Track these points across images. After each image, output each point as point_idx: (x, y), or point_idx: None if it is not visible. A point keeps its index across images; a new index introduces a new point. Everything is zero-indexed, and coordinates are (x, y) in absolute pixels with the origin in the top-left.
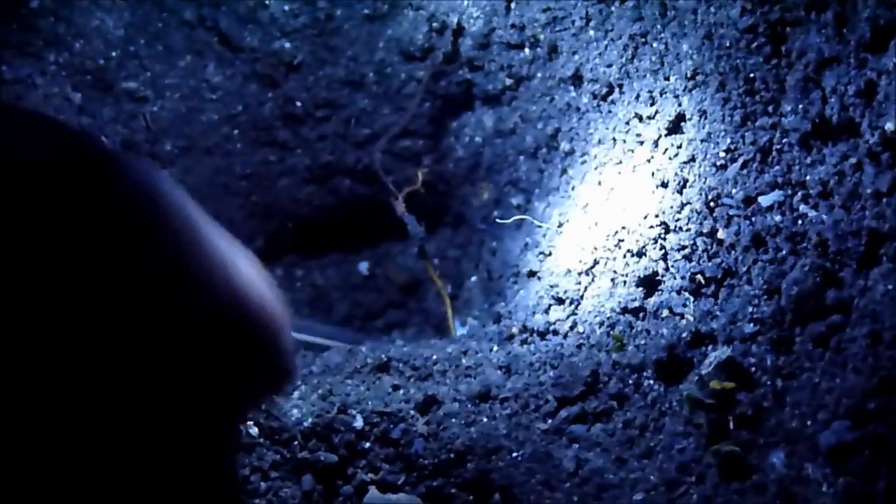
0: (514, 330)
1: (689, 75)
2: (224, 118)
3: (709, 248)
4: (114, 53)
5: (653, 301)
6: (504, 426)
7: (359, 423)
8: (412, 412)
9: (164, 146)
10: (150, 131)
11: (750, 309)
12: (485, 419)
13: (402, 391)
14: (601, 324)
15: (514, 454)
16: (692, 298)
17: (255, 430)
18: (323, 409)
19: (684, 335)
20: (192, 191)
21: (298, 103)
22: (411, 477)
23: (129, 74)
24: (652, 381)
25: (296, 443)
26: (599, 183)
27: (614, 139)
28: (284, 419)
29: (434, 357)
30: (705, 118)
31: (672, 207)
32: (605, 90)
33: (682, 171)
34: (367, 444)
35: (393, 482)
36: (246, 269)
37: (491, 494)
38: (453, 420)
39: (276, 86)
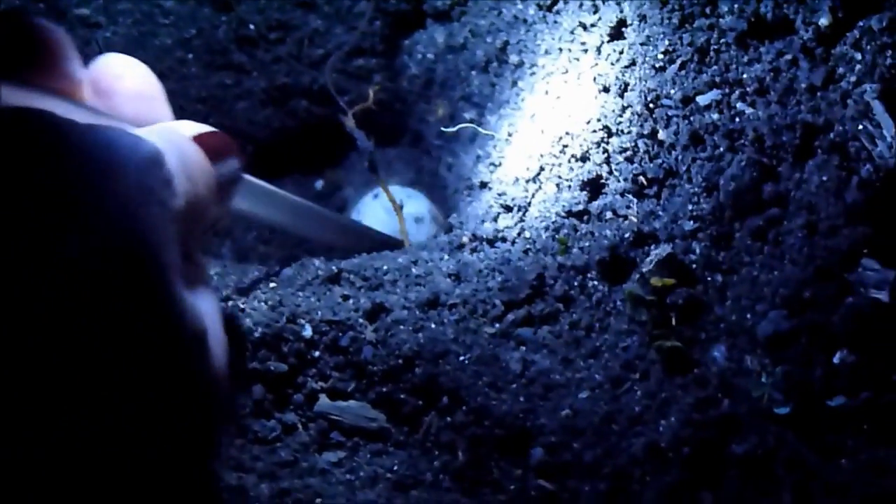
0: (465, 239)
1: None
2: (178, 42)
3: (650, 149)
4: None
5: (597, 204)
6: (452, 331)
7: (308, 332)
8: (361, 320)
9: None
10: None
11: (690, 207)
12: (433, 325)
13: (351, 301)
14: (547, 228)
15: (462, 358)
16: (635, 199)
17: None
18: (272, 319)
19: (627, 235)
20: None
21: (252, 26)
22: (361, 384)
23: (81, 1)
24: (596, 282)
25: (246, 353)
26: (546, 92)
27: (560, 49)
28: (235, 330)
29: (385, 267)
30: (645, 22)
31: (614, 111)
32: (549, 1)
33: (623, 75)
34: (317, 353)
35: (343, 389)
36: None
37: (439, 397)
38: (401, 327)
39: (229, 9)
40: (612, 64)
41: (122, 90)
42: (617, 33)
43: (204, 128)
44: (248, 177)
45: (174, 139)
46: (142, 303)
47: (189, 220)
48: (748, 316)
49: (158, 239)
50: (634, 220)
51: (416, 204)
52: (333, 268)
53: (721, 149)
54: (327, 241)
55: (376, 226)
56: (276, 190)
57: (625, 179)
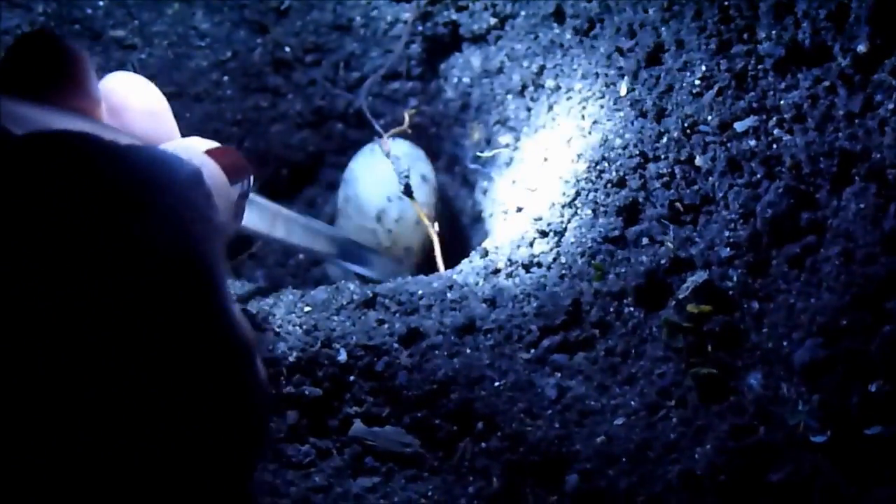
0: (500, 264)
1: (665, 6)
2: (213, 64)
3: (687, 175)
4: (101, 3)
5: (633, 230)
6: (487, 357)
7: (343, 356)
8: (396, 345)
9: None
10: None
11: (727, 233)
12: (468, 350)
13: (386, 325)
14: (583, 254)
15: (497, 384)
16: (671, 226)
17: None
18: (307, 343)
19: (663, 262)
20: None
21: (288, 49)
22: (396, 409)
23: (117, 23)
24: (632, 308)
25: (281, 378)
26: (583, 117)
27: (596, 73)
28: (269, 354)
29: (420, 292)
30: (682, 48)
31: (651, 137)
32: (586, 25)
33: (660, 100)
34: (352, 378)
35: (377, 414)
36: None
37: (474, 423)
38: (436, 352)
39: (265, 31)
40: (650, 89)
41: (133, 108)
42: (654, 58)
43: (214, 143)
44: (253, 194)
45: (195, 156)
46: (198, 315)
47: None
48: (784, 343)
49: (208, 253)
50: (671, 246)
51: (423, 165)
52: (368, 292)
53: (758, 175)
54: (327, 256)
55: (376, 177)
56: (279, 207)
57: (661, 205)
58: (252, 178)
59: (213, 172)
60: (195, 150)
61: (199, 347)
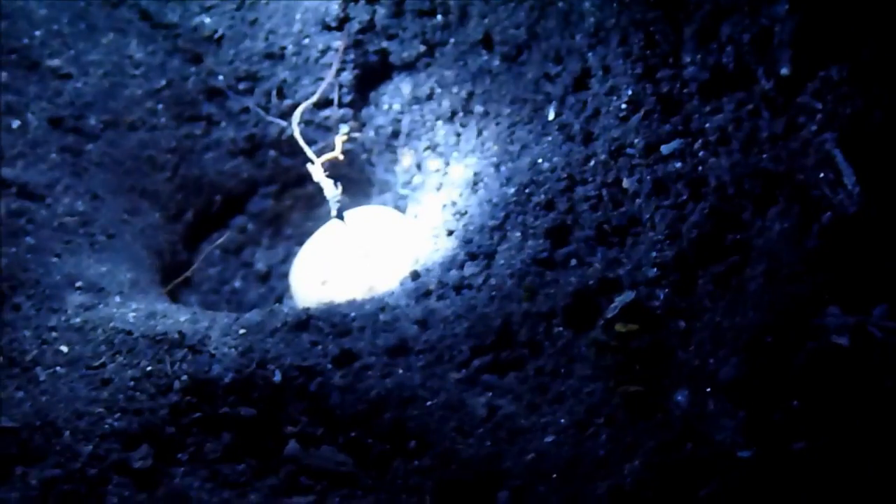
0: (431, 286)
1: (592, 32)
2: (147, 93)
3: (614, 197)
4: (37, 32)
5: (561, 251)
6: (419, 377)
7: (277, 377)
8: (329, 366)
9: (89, 121)
10: (75, 106)
11: (653, 254)
12: (400, 371)
13: (319, 347)
14: (512, 276)
15: (429, 403)
16: (599, 247)
17: (177, 384)
18: (242, 364)
19: (591, 282)
20: (117, 165)
21: (220, 77)
22: (329, 429)
23: (53, 52)
24: (561, 329)
25: (217, 398)
26: (512, 142)
27: (525, 99)
28: (205, 375)
29: (352, 314)
30: (609, 73)
31: (578, 160)
32: (514, 52)
33: (587, 124)
34: (286, 398)
35: (312, 434)
36: None
37: (407, 442)
38: (369, 373)
39: (199, 60)
40: (577, 114)
41: None
42: (581, 83)
43: None
44: None
45: None
46: None
47: None
48: (710, 361)
49: None
50: (598, 267)
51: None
52: (302, 315)
53: (684, 197)
54: None
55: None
56: None
57: (589, 227)
58: None
59: None
60: None
61: None
